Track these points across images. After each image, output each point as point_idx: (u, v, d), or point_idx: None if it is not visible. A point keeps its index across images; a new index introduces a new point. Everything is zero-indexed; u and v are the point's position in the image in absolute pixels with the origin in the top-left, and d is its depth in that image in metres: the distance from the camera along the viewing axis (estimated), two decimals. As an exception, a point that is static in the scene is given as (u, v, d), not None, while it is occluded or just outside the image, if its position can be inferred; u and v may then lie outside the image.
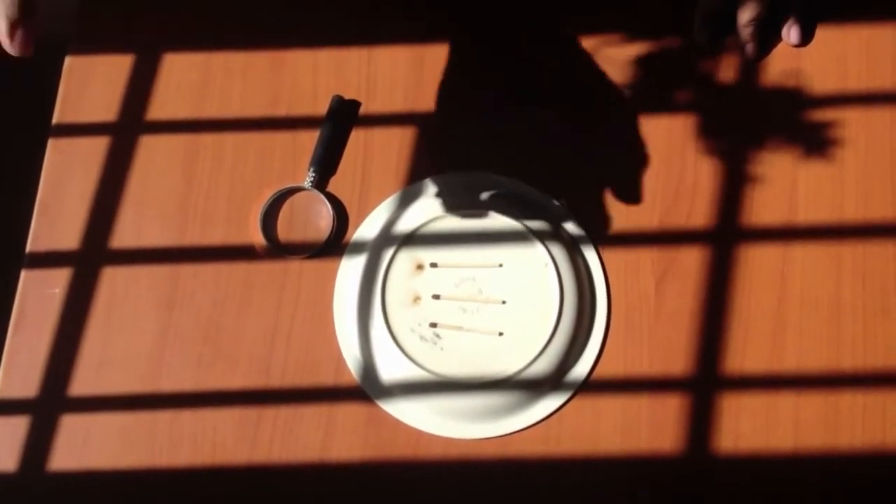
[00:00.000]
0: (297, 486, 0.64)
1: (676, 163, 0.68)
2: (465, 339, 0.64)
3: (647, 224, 0.67)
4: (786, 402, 0.64)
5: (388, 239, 0.66)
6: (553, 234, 0.66)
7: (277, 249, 0.68)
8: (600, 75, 0.70)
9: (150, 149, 0.70)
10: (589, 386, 0.65)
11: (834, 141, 0.68)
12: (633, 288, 0.66)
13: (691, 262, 0.66)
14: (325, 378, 0.65)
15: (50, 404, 0.65)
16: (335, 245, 0.68)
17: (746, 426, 0.63)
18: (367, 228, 0.68)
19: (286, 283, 0.67)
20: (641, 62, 0.70)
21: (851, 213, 0.67)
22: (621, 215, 0.67)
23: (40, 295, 0.67)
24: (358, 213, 0.68)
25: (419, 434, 0.64)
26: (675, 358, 0.65)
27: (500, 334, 0.64)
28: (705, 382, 0.64)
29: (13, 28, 0.57)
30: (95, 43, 0.72)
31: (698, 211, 0.67)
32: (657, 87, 0.70)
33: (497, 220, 0.66)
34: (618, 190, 0.68)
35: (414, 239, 0.66)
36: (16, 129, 0.93)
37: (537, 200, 0.68)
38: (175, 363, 0.66)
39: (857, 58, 0.70)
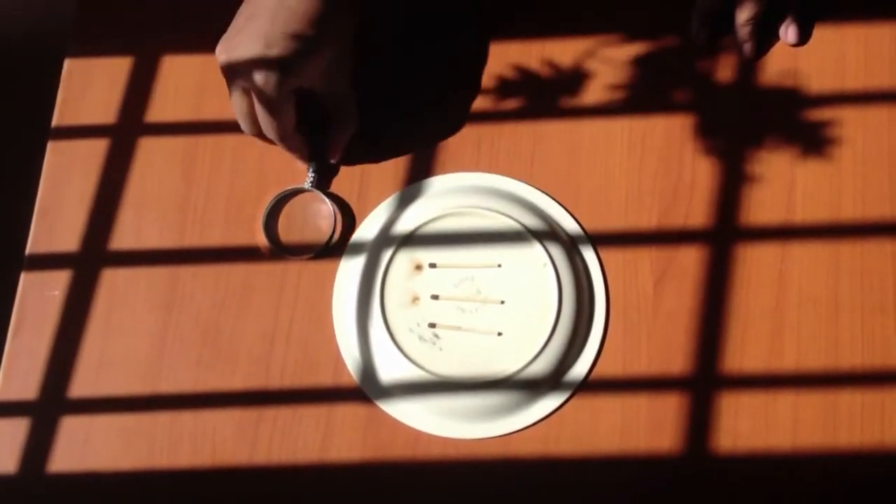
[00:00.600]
0: (297, 486, 0.64)
1: (675, 162, 0.68)
2: (464, 339, 0.64)
3: (646, 224, 0.67)
4: (784, 401, 0.64)
5: (387, 239, 0.66)
6: (551, 234, 0.66)
7: (280, 251, 0.68)
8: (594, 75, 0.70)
9: (149, 150, 0.70)
10: (588, 385, 0.65)
11: (832, 140, 0.68)
12: (632, 287, 0.66)
13: (690, 261, 0.66)
14: (325, 378, 0.65)
15: (50, 406, 0.65)
16: (337, 245, 0.68)
17: (745, 425, 0.63)
18: (367, 229, 0.68)
19: (285, 283, 0.67)
20: (639, 62, 0.70)
21: (849, 211, 0.67)
22: (620, 215, 0.67)
23: (40, 297, 0.67)
24: (358, 214, 0.69)
25: (418, 434, 0.64)
26: (674, 357, 0.65)
27: (499, 334, 0.64)
28: (704, 382, 0.64)
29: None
30: (95, 45, 0.73)
31: (696, 210, 0.67)
32: (655, 87, 0.70)
33: (496, 221, 0.66)
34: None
35: (413, 239, 0.66)
36: (15, 132, 0.93)
37: (536, 200, 0.68)
38: (175, 364, 0.66)
39: (855, 57, 0.70)
